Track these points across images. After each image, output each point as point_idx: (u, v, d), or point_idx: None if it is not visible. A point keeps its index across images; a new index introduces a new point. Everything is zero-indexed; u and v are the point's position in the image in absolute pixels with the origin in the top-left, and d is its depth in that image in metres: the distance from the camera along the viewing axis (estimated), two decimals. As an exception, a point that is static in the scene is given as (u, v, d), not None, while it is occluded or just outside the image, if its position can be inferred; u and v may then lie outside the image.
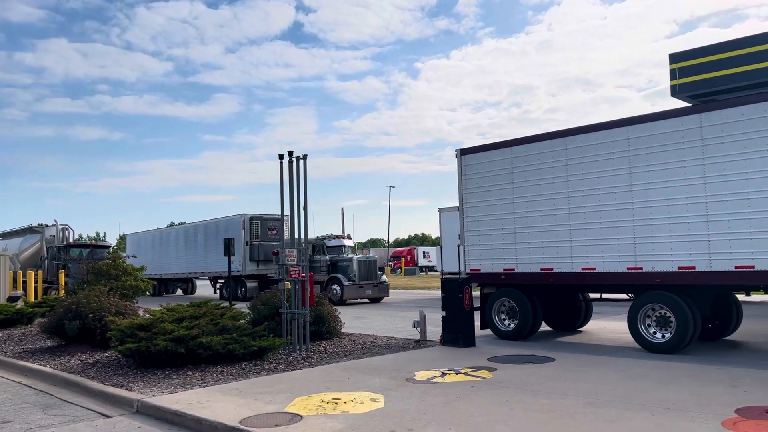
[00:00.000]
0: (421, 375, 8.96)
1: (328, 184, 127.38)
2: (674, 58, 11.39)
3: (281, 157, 12.11)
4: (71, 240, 34.83)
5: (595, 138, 11.23)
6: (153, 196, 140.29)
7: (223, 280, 31.92)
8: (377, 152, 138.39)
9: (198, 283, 39.10)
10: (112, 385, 8.98)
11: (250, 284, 29.77)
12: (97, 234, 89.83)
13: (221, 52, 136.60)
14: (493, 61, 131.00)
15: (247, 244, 30.03)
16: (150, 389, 8.57)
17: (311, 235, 26.26)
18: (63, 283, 26.55)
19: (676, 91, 11.34)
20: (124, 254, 31.58)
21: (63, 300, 13.88)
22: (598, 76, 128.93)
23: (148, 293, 36.68)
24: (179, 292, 38.99)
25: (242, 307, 13.34)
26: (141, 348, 9.98)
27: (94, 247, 33.56)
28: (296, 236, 12.11)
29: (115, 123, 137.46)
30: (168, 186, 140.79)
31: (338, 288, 25.61)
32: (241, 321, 11.35)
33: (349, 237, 29.14)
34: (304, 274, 11.62)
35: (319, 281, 25.61)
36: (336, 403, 7.36)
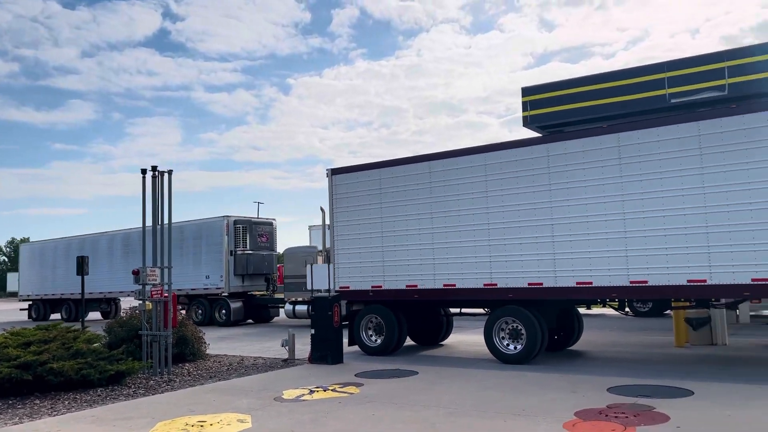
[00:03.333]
0: (289, 393, 8.98)
1: (193, 198, 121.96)
2: (526, 91, 12.35)
3: (144, 171, 11.69)
4: None
5: (456, 163, 11.96)
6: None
7: (188, 301, 24.54)
8: (246, 167, 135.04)
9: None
10: (-56, 420, 8.11)
11: (234, 305, 23.35)
12: None
13: (77, 55, 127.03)
14: (364, 81, 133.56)
15: (231, 254, 23.71)
16: (-10, 422, 7.85)
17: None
18: None
19: (527, 122, 12.28)
20: None
21: None
22: (462, 101, 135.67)
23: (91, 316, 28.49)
24: (92, 315, 29.93)
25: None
26: (-20, 377, 9.12)
27: None
28: (160, 253, 11.65)
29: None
30: (9, 198, 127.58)
31: None
32: (96, 344, 10.80)
33: None
34: (166, 294, 11.26)
35: None
36: (201, 426, 7.21)
